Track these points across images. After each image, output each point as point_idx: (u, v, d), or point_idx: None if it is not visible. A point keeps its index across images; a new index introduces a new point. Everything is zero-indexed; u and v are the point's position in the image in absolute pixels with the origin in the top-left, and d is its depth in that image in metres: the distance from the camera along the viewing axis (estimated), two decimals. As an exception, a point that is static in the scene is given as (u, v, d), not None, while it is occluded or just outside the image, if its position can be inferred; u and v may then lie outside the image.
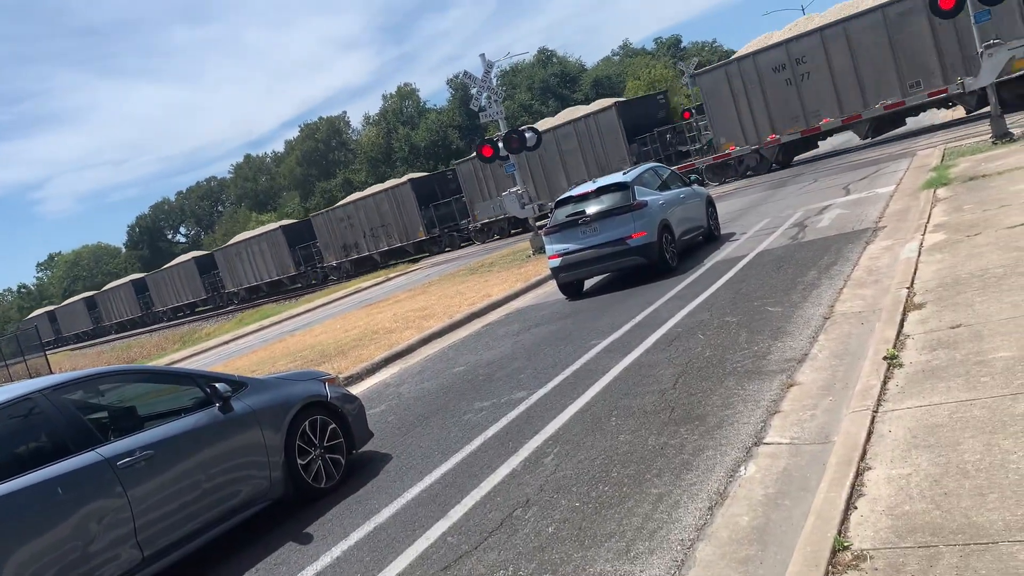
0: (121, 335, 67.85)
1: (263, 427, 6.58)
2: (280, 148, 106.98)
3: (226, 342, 30.29)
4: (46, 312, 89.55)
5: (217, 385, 6.49)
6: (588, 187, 13.79)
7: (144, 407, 6.53)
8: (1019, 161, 13.14)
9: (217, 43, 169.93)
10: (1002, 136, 16.57)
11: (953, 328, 6.07)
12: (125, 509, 5.43)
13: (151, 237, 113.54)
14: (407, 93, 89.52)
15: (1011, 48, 17.00)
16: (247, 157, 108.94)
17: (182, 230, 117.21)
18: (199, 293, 62.75)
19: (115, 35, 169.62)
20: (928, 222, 10.35)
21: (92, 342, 71.84)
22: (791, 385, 6.28)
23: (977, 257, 7.85)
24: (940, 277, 7.58)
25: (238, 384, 6.77)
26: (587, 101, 75.66)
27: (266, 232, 55.54)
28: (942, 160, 16.57)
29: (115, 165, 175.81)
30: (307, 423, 6.92)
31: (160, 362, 28.94)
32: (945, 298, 6.88)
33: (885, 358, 5.80)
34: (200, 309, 64.38)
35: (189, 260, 65.16)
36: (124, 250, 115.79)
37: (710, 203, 15.70)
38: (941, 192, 12.44)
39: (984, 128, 18.93)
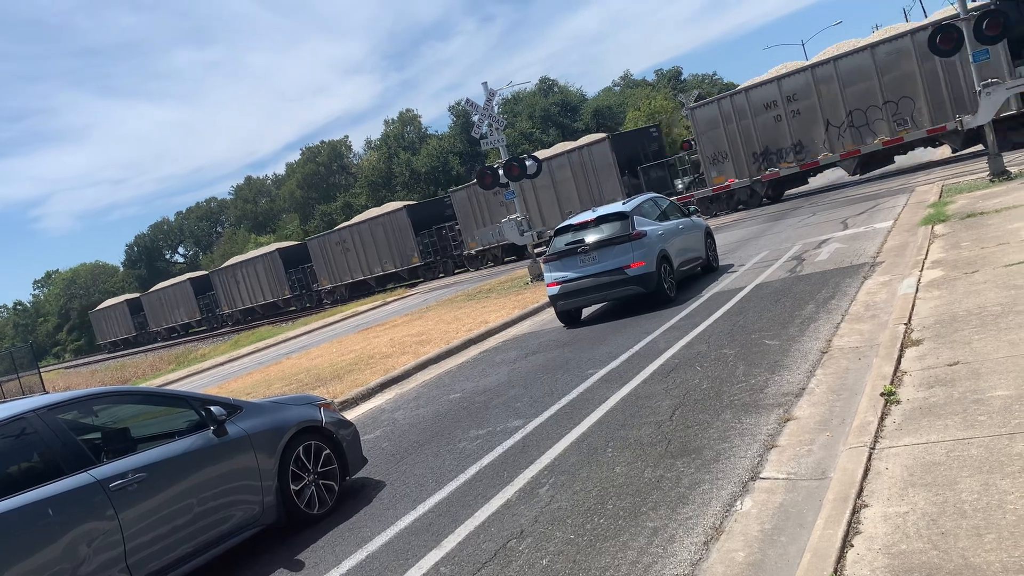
0: (114, 354, 67.58)
1: (257, 451, 6.54)
2: (281, 170, 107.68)
3: (221, 363, 30.18)
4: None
5: (212, 408, 6.45)
6: (588, 216, 13.84)
7: (138, 429, 6.48)
8: (1016, 199, 13.22)
9: (220, 65, 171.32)
10: (1000, 174, 16.67)
11: (951, 366, 6.07)
12: (116, 532, 5.38)
13: (149, 256, 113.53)
14: (409, 119, 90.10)
15: (1008, 87, 17.17)
16: (248, 179, 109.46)
17: (180, 250, 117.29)
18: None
19: (118, 56, 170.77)
20: (926, 258, 10.39)
21: (86, 360, 71.54)
22: (788, 419, 6.26)
23: (975, 294, 7.86)
24: (938, 314, 7.59)
25: (233, 407, 6.74)
26: (587, 131, 76.28)
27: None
28: (940, 196, 16.66)
29: (115, 184, 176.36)
30: (301, 448, 6.88)
31: (154, 383, 28.82)
32: (943, 335, 6.89)
33: (882, 394, 5.79)
34: (195, 330, 64.31)
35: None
36: (122, 269, 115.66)
37: (709, 234, 15.76)
38: (939, 228, 12.49)
39: (980, 165, 19.06)
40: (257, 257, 55.89)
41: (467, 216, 39.58)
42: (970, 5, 17.96)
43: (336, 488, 7.12)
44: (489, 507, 6.03)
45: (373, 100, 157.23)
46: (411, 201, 50.96)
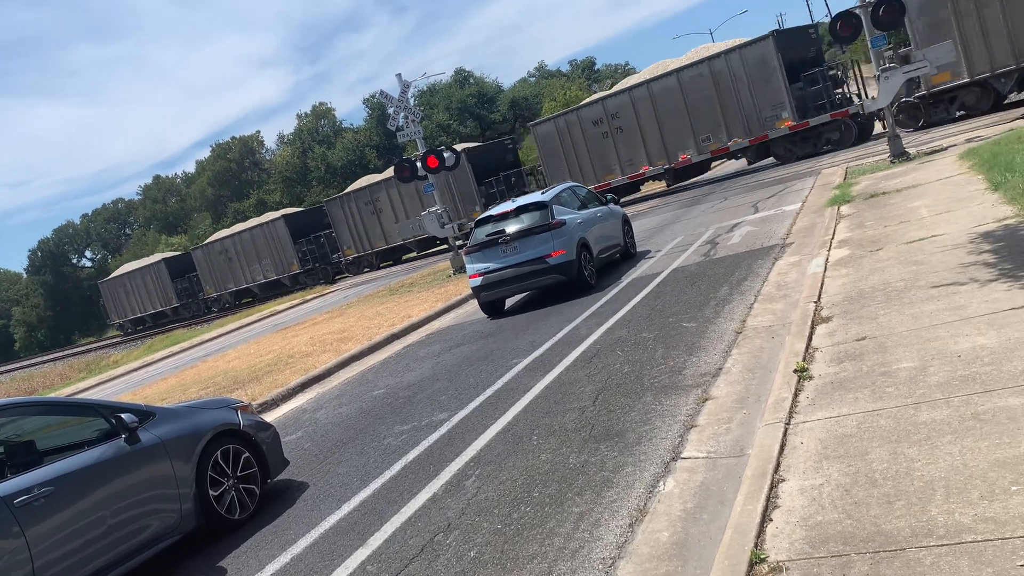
0: (21, 364, 64.62)
1: (172, 458, 6.33)
2: (191, 168, 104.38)
3: (135, 369, 29.14)
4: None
5: (123, 415, 6.21)
6: (507, 206, 13.84)
7: (44, 441, 6.19)
8: (915, 179, 13.81)
9: (124, 61, 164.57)
10: (899, 155, 17.39)
11: (859, 340, 6.30)
12: (23, 550, 5.12)
13: (54, 262, 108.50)
14: (323, 112, 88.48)
15: (905, 71, 17.90)
16: (156, 178, 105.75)
17: (88, 254, 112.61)
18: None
19: (14, 53, 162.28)
20: (833, 238, 10.75)
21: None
22: (706, 399, 6.39)
23: (879, 271, 8.18)
24: (846, 291, 7.86)
25: (145, 414, 6.50)
26: (504, 121, 76.27)
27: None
28: (845, 178, 17.29)
29: (13, 188, 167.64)
30: (219, 453, 6.69)
31: (64, 392, 27.62)
32: (851, 311, 7.14)
33: (795, 371, 5.96)
34: (84, 341, 63.27)
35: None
36: (25, 275, 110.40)
37: (626, 221, 15.97)
38: (844, 209, 12.95)
39: (882, 147, 19.86)
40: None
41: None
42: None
43: (257, 492, 6.95)
44: (415, 502, 5.97)
45: (285, 94, 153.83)
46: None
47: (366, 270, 41.27)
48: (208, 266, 50.00)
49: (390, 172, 35.43)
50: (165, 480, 6.24)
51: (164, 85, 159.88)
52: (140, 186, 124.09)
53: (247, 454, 6.94)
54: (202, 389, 14.94)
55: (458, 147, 36.92)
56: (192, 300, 53.05)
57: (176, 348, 32.24)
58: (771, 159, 28.38)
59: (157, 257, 58.97)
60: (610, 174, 30.90)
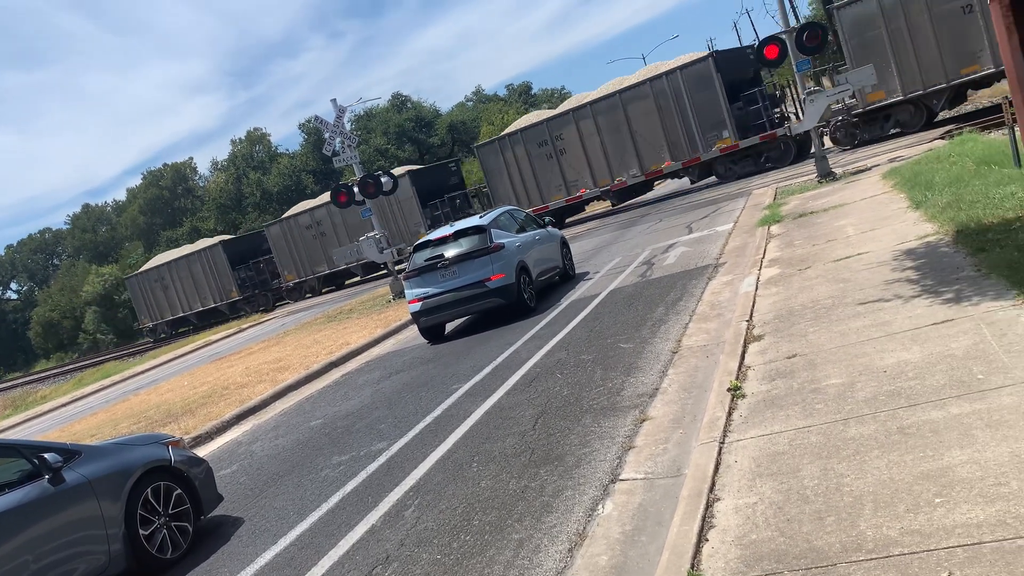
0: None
1: (100, 498, 6.12)
2: (122, 196, 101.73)
3: (64, 404, 28.12)
4: None
5: (46, 455, 5.99)
6: (446, 231, 13.83)
7: (-40, 484, 5.92)
8: (842, 198, 14.24)
9: (51, 88, 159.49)
10: (826, 175, 17.93)
11: (790, 358, 6.43)
12: (-64, 601, 4.87)
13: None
14: (258, 138, 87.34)
15: (828, 96, 18.52)
16: (86, 207, 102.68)
17: (13, 286, 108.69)
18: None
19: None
20: (764, 257, 11.00)
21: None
22: (644, 419, 6.45)
23: (808, 289, 8.38)
24: (776, 309, 8.04)
25: (70, 453, 6.27)
26: (443, 145, 76.34)
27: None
28: (775, 198, 17.73)
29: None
30: (149, 490, 6.49)
31: (-14, 431, 26.46)
32: (781, 329, 7.29)
33: (729, 389, 6.06)
34: (9, 377, 60.89)
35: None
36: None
37: (564, 244, 16.10)
38: (774, 229, 13.27)
39: (810, 168, 20.45)
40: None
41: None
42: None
43: (190, 529, 6.75)
44: (353, 535, 5.87)
45: (219, 120, 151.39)
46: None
47: (308, 295, 40.58)
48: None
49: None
50: (92, 521, 6.02)
51: (93, 112, 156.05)
52: (68, 215, 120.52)
53: (179, 491, 6.75)
54: (134, 424, 14.48)
55: (401, 169, 36.96)
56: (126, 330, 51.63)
57: (107, 381, 31.27)
58: (713, 177, 28.86)
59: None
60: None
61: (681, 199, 27.28)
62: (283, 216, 42.01)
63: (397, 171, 36.79)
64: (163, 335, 47.92)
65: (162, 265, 47.71)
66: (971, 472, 3.88)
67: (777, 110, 27.80)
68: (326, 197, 36.17)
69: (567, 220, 32.61)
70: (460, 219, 17.80)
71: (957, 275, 6.98)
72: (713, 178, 28.95)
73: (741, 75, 28.17)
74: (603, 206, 35.10)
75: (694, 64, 27.64)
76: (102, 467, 6.32)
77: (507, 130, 33.44)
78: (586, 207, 33.97)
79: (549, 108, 45.77)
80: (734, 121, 26.93)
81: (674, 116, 27.93)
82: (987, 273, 6.69)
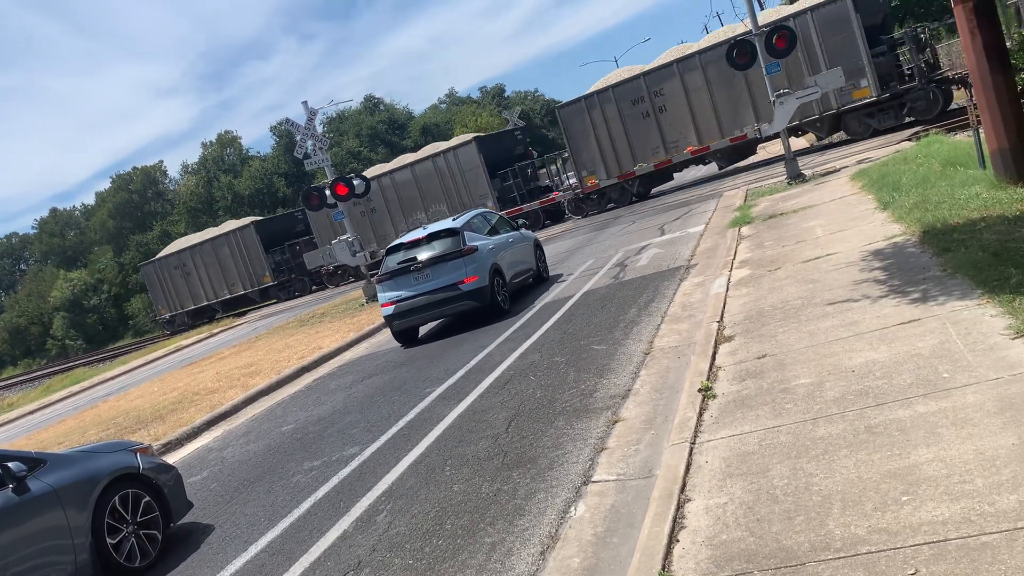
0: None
1: (66, 507, 6.02)
2: (90, 200, 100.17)
3: (31, 412, 27.60)
4: None
5: (9, 464, 5.90)
6: (419, 233, 13.78)
7: (-79, 495, 5.80)
8: (811, 200, 14.39)
9: (16, 90, 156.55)
10: (796, 177, 18.12)
11: (759, 359, 6.47)
12: None
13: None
14: (228, 140, 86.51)
15: (798, 97, 18.70)
16: (53, 211, 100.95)
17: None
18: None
19: None
20: (734, 259, 11.08)
21: None
22: (616, 421, 6.46)
23: (778, 290, 8.45)
24: (747, 310, 8.09)
25: (35, 461, 6.17)
26: (416, 148, 76.13)
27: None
28: (745, 200, 17.88)
29: None
30: (117, 498, 6.40)
31: (-49, 439, 25.94)
32: (752, 330, 7.34)
33: (700, 390, 6.08)
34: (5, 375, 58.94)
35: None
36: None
37: (538, 246, 16.11)
38: (745, 230, 13.37)
39: (780, 170, 20.65)
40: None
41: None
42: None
43: (160, 537, 6.66)
44: (325, 541, 5.82)
45: (189, 123, 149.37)
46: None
47: (297, 295, 39.75)
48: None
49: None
50: (58, 531, 5.93)
51: (60, 115, 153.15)
52: (36, 219, 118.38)
53: (147, 498, 6.66)
54: (103, 431, 14.27)
55: (467, 136, 34.97)
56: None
57: (76, 388, 30.77)
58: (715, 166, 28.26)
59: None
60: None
61: (655, 201, 27.40)
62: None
63: (463, 137, 34.69)
64: (182, 327, 43.89)
65: (184, 250, 43.58)
66: (937, 470, 3.92)
67: (923, 56, 23.90)
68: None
69: (653, 190, 30.13)
70: (461, 212, 17.27)
71: (924, 275, 7.07)
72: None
73: (873, 20, 24.96)
74: (694, 174, 32.16)
75: (827, 4, 24.02)
76: (68, 475, 6.22)
77: (594, 87, 29.89)
78: (675, 174, 30.86)
79: (523, 108, 45.29)
80: (874, 69, 23.68)
81: (799, 63, 24.18)
82: (953, 273, 6.78)
